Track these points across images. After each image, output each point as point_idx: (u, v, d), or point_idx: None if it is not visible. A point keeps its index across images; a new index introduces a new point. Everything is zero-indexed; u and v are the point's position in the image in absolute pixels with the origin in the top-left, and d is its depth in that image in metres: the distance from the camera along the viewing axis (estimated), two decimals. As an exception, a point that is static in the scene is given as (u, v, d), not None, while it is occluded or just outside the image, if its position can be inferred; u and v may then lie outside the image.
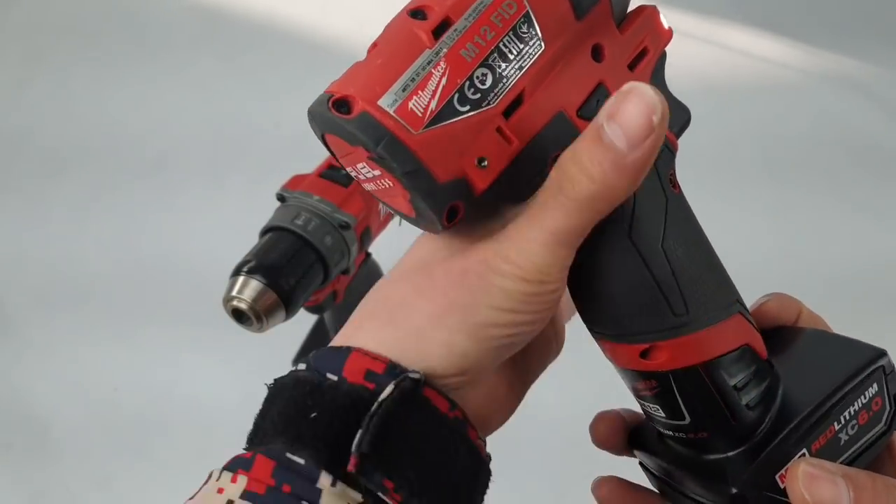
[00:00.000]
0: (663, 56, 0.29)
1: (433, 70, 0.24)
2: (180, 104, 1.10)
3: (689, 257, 0.28)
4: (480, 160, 0.25)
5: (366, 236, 0.62)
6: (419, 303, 0.26)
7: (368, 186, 0.27)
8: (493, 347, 0.26)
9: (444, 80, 0.24)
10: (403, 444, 0.25)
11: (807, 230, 0.95)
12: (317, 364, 0.26)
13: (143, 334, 0.85)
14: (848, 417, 0.29)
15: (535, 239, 0.25)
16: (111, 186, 1.01)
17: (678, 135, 0.30)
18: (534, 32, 0.25)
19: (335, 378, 0.25)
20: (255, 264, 0.55)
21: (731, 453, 0.29)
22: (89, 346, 0.84)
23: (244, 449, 0.27)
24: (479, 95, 0.24)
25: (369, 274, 0.71)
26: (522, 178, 0.26)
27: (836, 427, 0.28)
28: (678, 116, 0.30)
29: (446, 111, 0.24)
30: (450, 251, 0.27)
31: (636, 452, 0.33)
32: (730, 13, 1.21)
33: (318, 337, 0.82)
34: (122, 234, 0.95)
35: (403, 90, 0.24)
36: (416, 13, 0.25)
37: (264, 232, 0.59)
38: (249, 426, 0.66)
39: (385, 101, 0.24)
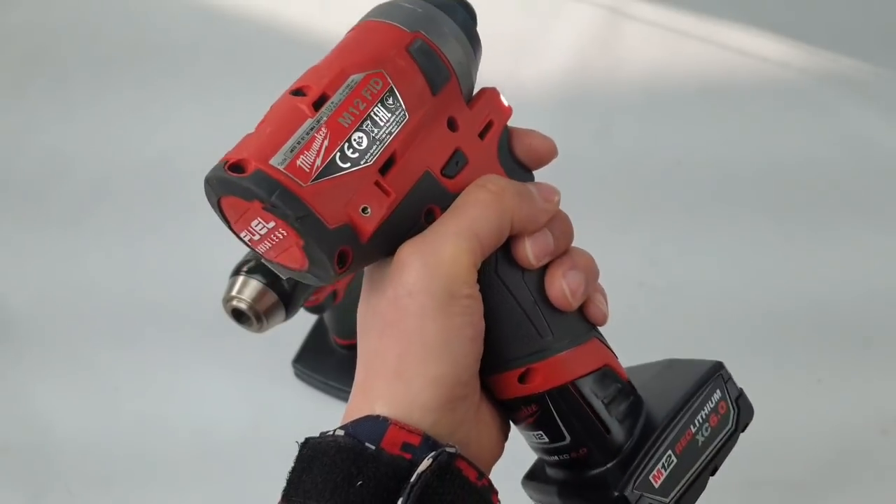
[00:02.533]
0: (506, 129, 0.34)
1: (316, 134, 0.28)
2: (179, 104, 1.10)
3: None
4: (364, 209, 0.29)
5: (366, 236, 0.62)
6: (385, 346, 0.30)
7: (262, 247, 0.30)
8: (461, 353, 0.29)
9: (326, 142, 0.28)
10: None
11: (805, 240, 0.95)
12: (356, 432, 0.29)
13: (144, 335, 0.85)
14: (701, 421, 0.34)
15: (455, 234, 0.29)
16: (109, 185, 1.01)
17: None
18: (399, 104, 0.30)
19: (373, 447, 0.28)
20: (255, 264, 0.55)
21: (609, 464, 0.33)
22: (89, 346, 0.84)
23: (285, 501, 0.30)
24: (357, 155, 0.29)
25: (369, 274, 0.71)
26: (402, 226, 0.30)
27: (693, 430, 0.33)
28: (523, 177, 0.35)
29: (330, 167, 0.28)
30: (381, 282, 0.31)
31: (525, 489, 0.37)
32: (729, 13, 1.21)
33: (317, 337, 0.82)
34: (121, 232, 0.95)
35: (291, 151, 0.28)
36: (296, 92, 0.30)
37: (264, 232, 0.58)
38: (250, 428, 0.67)
39: (276, 161, 0.28)
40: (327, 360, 0.79)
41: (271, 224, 0.28)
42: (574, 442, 0.33)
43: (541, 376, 0.32)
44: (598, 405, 0.33)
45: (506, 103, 0.35)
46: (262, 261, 0.32)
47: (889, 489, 0.71)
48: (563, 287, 0.32)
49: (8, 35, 1.21)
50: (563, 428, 0.33)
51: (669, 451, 0.33)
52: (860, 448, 0.74)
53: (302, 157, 0.28)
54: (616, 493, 0.31)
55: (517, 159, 0.35)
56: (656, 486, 0.32)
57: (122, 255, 0.92)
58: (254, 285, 0.53)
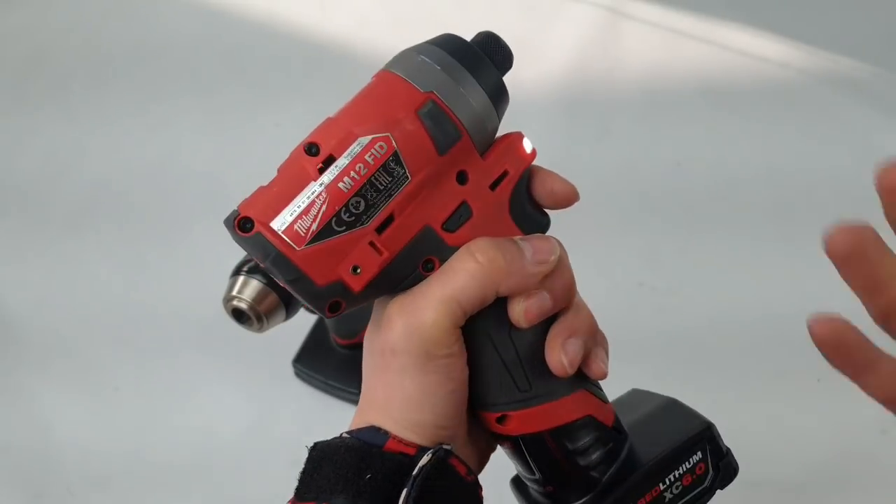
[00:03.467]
0: (526, 173, 0.35)
1: (316, 199, 0.30)
2: (178, 104, 1.10)
3: (535, 346, 0.34)
4: (355, 268, 0.31)
5: (366, 236, 0.62)
6: (376, 386, 0.34)
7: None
8: (442, 410, 0.33)
9: (323, 208, 0.30)
10: (437, 501, 0.31)
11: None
12: (360, 436, 0.33)
13: (144, 335, 0.85)
14: (673, 479, 0.35)
15: (438, 301, 0.31)
16: (109, 187, 1.01)
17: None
18: (401, 168, 0.31)
19: (376, 448, 0.32)
20: (255, 264, 0.55)
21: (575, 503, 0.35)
22: (89, 346, 0.84)
23: (297, 502, 0.33)
24: (353, 218, 0.31)
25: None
26: (396, 278, 0.33)
27: (662, 487, 0.35)
28: (537, 226, 0.36)
29: (325, 231, 0.30)
30: (372, 334, 0.35)
31: (512, 489, 0.40)
32: (729, 13, 1.21)
33: (318, 337, 0.82)
34: (121, 233, 0.95)
35: (291, 215, 0.30)
36: (309, 147, 0.32)
37: (264, 232, 0.59)
38: (250, 427, 0.67)
39: (276, 224, 0.30)
40: (327, 360, 0.79)
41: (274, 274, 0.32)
42: (543, 479, 0.36)
43: (516, 423, 0.34)
44: (570, 454, 0.35)
45: (528, 148, 0.35)
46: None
47: (889, 489, 0.71)
48: (561, 359, 0.34)
49: (8, 38, 1.21)
50: (533, 467, 0.36)
51: None
52: (860, 448, 0.74)
53: (300, 221, 0.30)
54: None
55: (535, 201, 0.35)
56: None
57: (122, 256, 0.92)
58: (254, 285, 0.53)
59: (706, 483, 0.36)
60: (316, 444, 0.33)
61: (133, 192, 0.99)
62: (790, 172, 1.00)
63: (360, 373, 0.84)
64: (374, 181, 0.31)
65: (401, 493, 0.31)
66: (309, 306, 0.32)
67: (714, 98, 1.09)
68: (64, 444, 0.77)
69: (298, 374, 0.80)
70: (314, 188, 0.31)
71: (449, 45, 0.34)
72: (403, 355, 0.32)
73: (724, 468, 0.37)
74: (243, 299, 0.53)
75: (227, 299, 0.54)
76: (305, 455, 0.34)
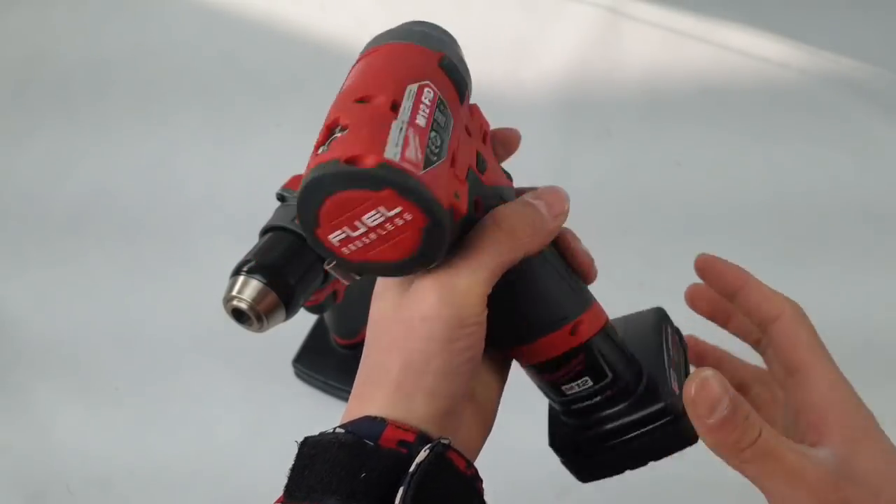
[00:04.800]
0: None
1: (408, 133, 0.30)
2: (178, 104, 1.10)
3: (565, 249, 0.39)
4: (456, 194, 0.32)
5: (366, 236, 0.62)
6: (389, 360, 0.33)
7: (355, 245, 0.31)
8: (458, 374, 0.33)
9: (417, 138, 0.30)
10: (436, 498, 0.31)
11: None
12: (355, 430, 0.32)
13: (144, 335, 0.85)
14: (668, 347, 0.42)
15: (471, 275, 0.32)
16: (109, 194, 1.01)
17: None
18: (446, 111, 0.33)
19: (371, 444, 0.31)
20: (256, 264, 0.55)
21: (640, 389, 0.39)
22: (90, 346, 0.84)
23: (286, 501, 0.32)
24: (438, 150, 0.31)
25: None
26: (466, 215, 0.33)
27: (667, 357, 0.41)
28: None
29: (427, 160, 0.30)
30: (393, 305, 0.34)
31: (558, 453, 0.42)
32: (729, 13, 1.21)
33: (318, 337, 0.82)
34: (123, 229, 0.95)
35: (397, 146, 0.29)
36: (362, 100, 0.31)
37: (264, 232, 0.59)
38: (250, 427, 0.66)
39: (389, 154, 0.29)
40: (327, 360, 0.79)
41: (396, 210, 0.30)
42: (614, 378, 0.39)
43: (586, 325, 0.38)
44: (622, 343, 0.40)
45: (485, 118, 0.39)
46: (334, 267, 0.33)
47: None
48: (593, 263, 0.39)
49: (7, 39, 1.21)
50: (605, 367, 0.39)
51: (671, 368, 0.41)
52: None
53: (407, 151, 0.30)
54: (665, 403, 0.39)
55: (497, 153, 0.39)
56: (676, 392, 0.39)
57: (122, 257, 0.92)
58: (254, 285, 0.53)
59: (682, 343, 0.45)
60: (306, 440, 0.33)
61: (133, 193, 0.99)
62: (790, 173, 1.00)
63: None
64: (437, 120, 0.32)
65: (397, 490, 0.30)
66: (438, 231, 0.30)
67: (714, 98, 1.09)
68: (64, 443, 0.77)
69: (298, 374, 0.80)
70: (400, 125, 0.30)
71: (424, 24, 0.38)
72: (434, 321, 0.32)
73: (681, 336, 0.46)
74: (243, 299, 0.53)
75: (227, 299, 0.54)
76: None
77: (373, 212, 0.30)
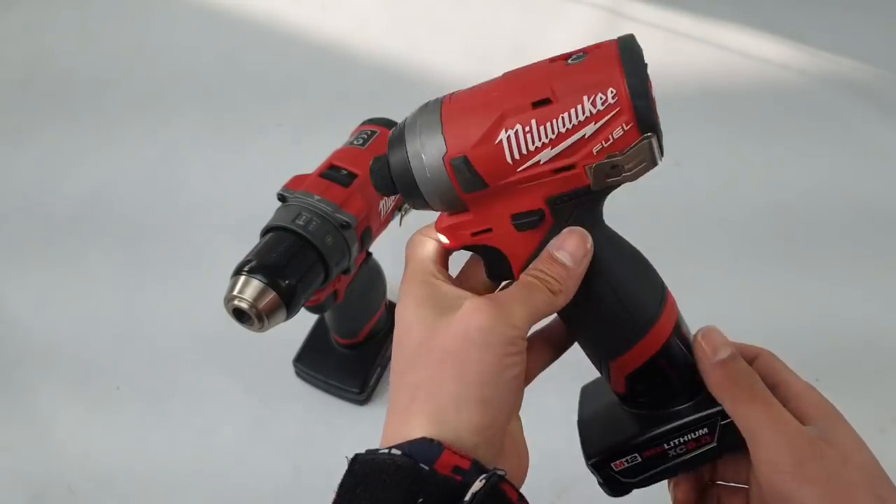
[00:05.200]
0: None
1: None
2: (178, 105, 1.10)
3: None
4: None
5: (366, 236, 0.62)
6: (441, 372, 0.34)
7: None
8: (508, 389, 0.35)
9: None
10: None
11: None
12: (412, 452, 0.32)
13: (144, 335, 0.85)
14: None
15: (522, 312, 0.35)
16: (110, 195, 1.01)
17: None
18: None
19: (427, 468, 0.31)
20: (256, 264, 0.55)
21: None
22: (90, 346, 0.84)
23: None
24: None
25: (370, 274, 0.71)
26: None
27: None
28: None
29: None
30: (436, 325, 0.36)
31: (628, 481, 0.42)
32: (729, 14, 1.21)
33: (318, 336, 0.82)
34: (124, 229, 0.95)
35: None
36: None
37: (265, 232, 0.59)
38: (250, 426, 0.66)
39: None
40: (328, 360, 0.79)
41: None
42: (681, 385, 0.41)
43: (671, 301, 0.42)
44: (677, 364, 0.42)
45: None
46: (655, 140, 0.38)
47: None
48: None
49: (7, 40, 1.21)
50: (674, 380, 0.41)
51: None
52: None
53: None
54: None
55: None
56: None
57: (123, 257, 0.92)
58: (255, 285, 0.53)
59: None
60: (357, 457, 0.33)
61: (134, 193, 0.99)
62: (790, 173, 1.01)
63: (359, 372, 0.84)
64: None
65: None
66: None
67: (714, 98, 1.09)
68: (65, 443, 0.77)
69: (298, 374, 0.81)
70: None
71: None
72: (491, 333, 0.34)
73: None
74: (244, 299, 0.53)
75: (228, 299, 0.54)
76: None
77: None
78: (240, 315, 0.55)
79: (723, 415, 0.40)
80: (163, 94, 1.11)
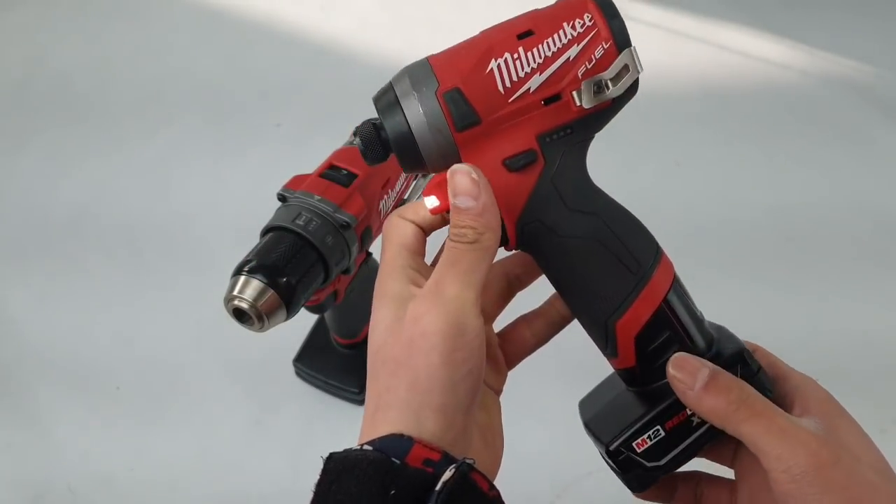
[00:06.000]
0: None
1: None
2: (177, 104, 1.10)
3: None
4: None
5: (366, 236, 0.62)
6: (396, 381, 0.34)
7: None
8: (462, 389, 0.34)
9: None
10: None
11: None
12: (382, 447, 0.32)
13: (144, 334, 0.85)
14: None
15: (455, 285, 0.35)
16: (109, 195, 1.01)
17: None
18: None
19: (398, 462, 0.32)
20: (256, 264, 0.55)
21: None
22: (90, 345, 0.84)
23: None
24: None
25: (370, 274, 0.71)
26: None
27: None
28: None
29: None
30: (391, 329, 0.35)
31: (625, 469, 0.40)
32: (729, 14, 1.21)
33: (318, 336, 0.82)
34: (123, 229, 0.95)
35: None
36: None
37: (265, 232, 0.59)
38: (250, 426, 0.66)
39: None
40: (327, 360, 0.79)
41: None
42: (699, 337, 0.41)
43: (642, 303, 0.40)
44: (683, 314, 0.42)
45: None
46: (631, 51, 0.38)
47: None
48: None
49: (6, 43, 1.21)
50: (694, 307, 0.41)
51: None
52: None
53: None
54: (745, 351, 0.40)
55: None
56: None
57: (123, 257, 0.92)
58: (255, 285, 0.53)
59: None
60: (332, 455, 0.33)
61: (134, 193, 0.99)
62: (790, 173, 1.01)
63: (359, 372, 0.84)
64: None
65: None
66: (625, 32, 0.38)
67: (714, 98, 1.09)
68: (65, 443, 0.77)
69: (298, 374, 0.81)
70: None
71: None
72: (433, 335, 0.34)
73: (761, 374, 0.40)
74: (244, 299, 0.53)
75: (228, 299, 0.54)
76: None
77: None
78: (240, 315, 0.55)
79: (742, 360, 0.39)
80: (163, 95, 1.11)
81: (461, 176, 0.36)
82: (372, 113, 0.72)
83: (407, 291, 0.36)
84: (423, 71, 0.38)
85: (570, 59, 0.37)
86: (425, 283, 0.36)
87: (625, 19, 0.38)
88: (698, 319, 0.41)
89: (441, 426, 0.33)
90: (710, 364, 0.37)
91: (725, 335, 0.42)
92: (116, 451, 0.76)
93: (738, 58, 1.15)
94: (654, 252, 0.41)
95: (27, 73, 1.15)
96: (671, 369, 0.37)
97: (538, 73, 0.37)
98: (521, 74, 0.37)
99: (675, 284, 0.41)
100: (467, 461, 0.32)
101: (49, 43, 1.19)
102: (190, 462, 0.75)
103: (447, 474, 0.31)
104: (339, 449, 0.33)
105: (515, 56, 0.37)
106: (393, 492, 0.31)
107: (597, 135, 0.41)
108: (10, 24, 1.23)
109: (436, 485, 0.31)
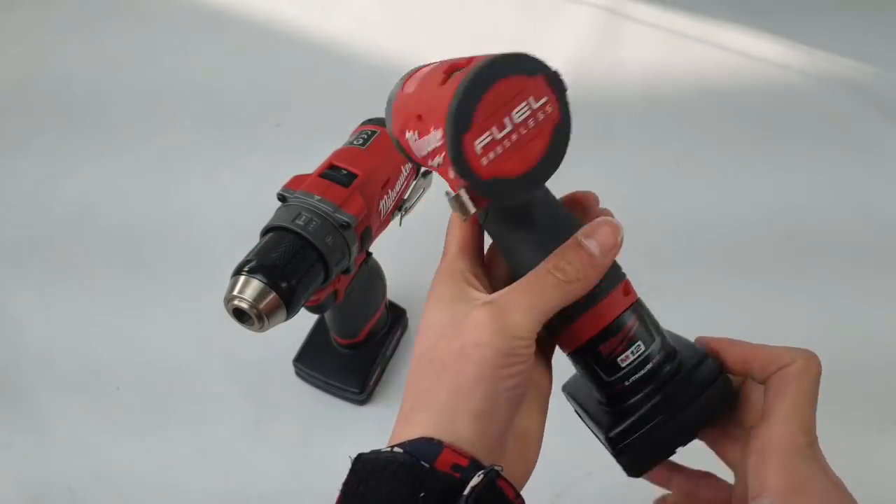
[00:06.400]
0: None
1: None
2: (177, 104, 1.10)
3: None
4: None
5: (366, 236, 0.62)
6: (439, 384, 0.35)
7: (496, 150, 0.34)
8: (504, 400, 0.34)
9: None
10: None
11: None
12: (413, 450, 0.33)
13: (145, 334, 0.85)
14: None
15: (525, 307, 0.35)
16: (109, 195, 1.01)
17: None
18: None
19: (427, 465, 0.32)
20: (256, 264, 0.55)
21: (679, 356, 0.40)
22: (90, 344, 0.84)
23: None
24: None
25: (370, 273, 0.71)
26: None
27: None
28: None
29: None
30: (444, 332, 0.36)
31: (618, 454, 0.40)
32: (729, 14, 1.21)
33: (318, 336, 0.82)
34: (122, 229, 0.95)
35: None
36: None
37: (265, 232, 0.59)
38: (250, 427, 0.66)
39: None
40: (327, 360, 0.79)
41: (542, 101, 0.35)
42: (661, 341, 0.40)
43: (631, 285, 0.39)
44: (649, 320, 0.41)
45: None
46: (466, 189, 0.34)
47: (888, 489, 0.71)
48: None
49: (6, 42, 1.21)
50: (652, 328, 0.40)
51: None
52: (859, 447, 0.74)
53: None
54: (710, 358, 0.40)
55: None
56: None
57: (123, 257, 0.92)
58: (255, 285, 0.53)
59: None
60: (360, 456, 0.34)
61: (134, 193, 0.99)
62: (790, 172, 1.01)
63: (359, 372, 0.84)
64: None
65: None
66: (568, 126, 0.36)
67: (714, 98, 1.09)
68: (65, 443, 0.77)
69: (298, 374, 0.81)
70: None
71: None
72: (486, 348, 0.34)
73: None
74: (244, 299, 0.53)
75: (228, 299, 0.54)
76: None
77: (523, 104, 0.33)
78: (240, 315, 0.55)
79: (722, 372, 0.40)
80: (162, 95, 1.11)
81: (607, 229, 0.37)
82: (372, 112, 0.72)
83: (464, 296, 0.37)
84: (388, 105, 0.40)
85: (437, 166, 0.36)
86: (483, 286, 0.38)
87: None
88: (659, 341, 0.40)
89: (475, 432, 0.34)
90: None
91: (683, 344, 0.42)
92: (116, 451, 0.76)
93: (737, 58, 1.14)
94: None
95: (27, 75, 1.15)
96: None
97: (438, 156, 0.35)
98: (425, 153, 0.36)
99: (616, 321, 0.39)
100: (495, 468, 0.33)
101: (49, 44, 1.19)
102: (190, 461, 0.75)
103: (475, 480, 0.32)
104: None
105: (415, 137, 0.36)
106: (422, 494, 0.31)
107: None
108: (10, 25, 1.23)
109: (463, 489, 0.31)
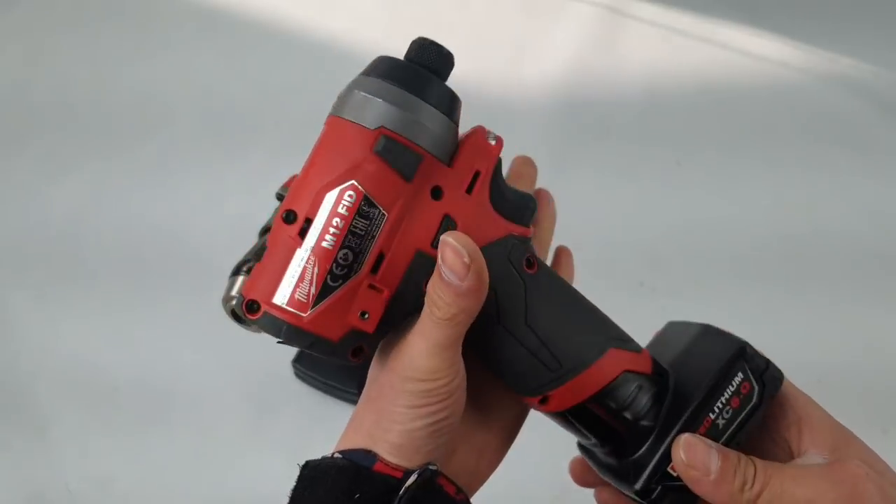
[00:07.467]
0: (498, 165, 0.36)
1: (307, 265, 0.32)
2: (176, 104, 1.10)
3: (553, 324, 0.36)
4: (363, 314, 0.33)
5: (365, 236, 0.62)
6: (366, 413, 0.36)
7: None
8: (425, 434, 0.34)
9: (316, 270, 0.32)
10: None
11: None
12: (351, 457, 0.34)
13: (143, 335, 0.85)
14: (722, 406, 0.36)
15: (422, 350, 0.33)
16: (108, 196, 1.01)
17: (528, 222, 0.37)
18: (375, 209, 0.32)
19: (366, 467, 0.33)
20: (255, 264, 0.54)
21: (634, 456, 0.36)
22: (90, 343, 0.84)
23: None
24: (346, 270, 0.32)
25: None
26: (404, 306, 0.34)
27: (713, 416, 0.36)
28: (523, 209, 0.37)
29: (324, 291, 0.32)
30: (381, 367, 0.36)
31: (586, 460, 0.40)
32: (729, 13, 1.21)
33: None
34: (122, 228, 0.95)
35: (289, 286, 0.32)
36: (287, 216, 0.32)
37: (264, 231, 0.59)
38: (250, 427, 0.66)
39: (278, 299, 0.32)
40: (327, 361, 0.79)
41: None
42: (600, 441, 0.38)
43: (556, 400, 0.36)
44: (616, 412, 0.37)
45: (493, 140, 0.35)
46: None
47: (889, 489, 0.71)
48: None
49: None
50: (587, 433, 0.38)
51: (704, 420, 0.36)
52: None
53: (299, 289, 0.32)
54: (637, 487, 0.35)
55: (514, 189, 0.37)
56: (674, 474, 0.35)
57: (123, 256, 0.92)
58: (253, 285, 0.53)
59: (754, 399, 0.36)
60: (307, 463, 0.34)
61: (133, 192, 0.99)
62: (789, 171, 1.00)
63: (358, 373, 0.84)
64: (354, 229, 0.32)
65: None
66: (333, 360, 0.34)
67: (714, 98, 1.09)
68: (63, 444, 0.77)
69: (298, 374, 0.80)
70: (301, 255, 0.32)
71: (385, 71, 0.34)
72: (402, 392, 0.34)
73: (768, 381, 0.37)
74: (243, 299, 0.53)
75: (226, 299, 0.54)
76: (305, 457, 0.34)
77: None
78: (238, 315, 0.54)
79: (741, 360, 0.37)
80: (162, 95, 1.11)
81: (449, 253, 0.32)
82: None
83: (381, 360, 0.37)
84: None
85: None
86: None
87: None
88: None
89: (399, 460, 0.34)
90: (713, 444, 0.34)
91: (711, 339, 0.40)
92: (115, 453, 0.76)
93: (738, 57, 1.14)
94: (591, 353, 0.37)
95: (25, 77, 1.14)
96: (683, 456, 0.34)
97: None
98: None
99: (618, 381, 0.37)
100: (430, 467, 0.33)
101: (47, 46, 1.19)
102: (189, 463, 0.75)
103: (410, 479, 0.32)
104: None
105: None
106: (357, 496, 0.32)
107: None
108: (10, 26, 1.23)
109: (400, 489, 0.32)
